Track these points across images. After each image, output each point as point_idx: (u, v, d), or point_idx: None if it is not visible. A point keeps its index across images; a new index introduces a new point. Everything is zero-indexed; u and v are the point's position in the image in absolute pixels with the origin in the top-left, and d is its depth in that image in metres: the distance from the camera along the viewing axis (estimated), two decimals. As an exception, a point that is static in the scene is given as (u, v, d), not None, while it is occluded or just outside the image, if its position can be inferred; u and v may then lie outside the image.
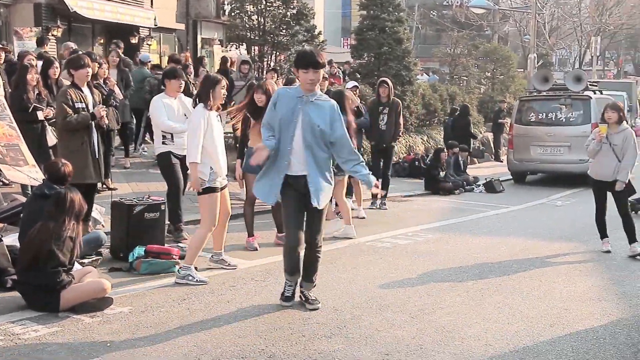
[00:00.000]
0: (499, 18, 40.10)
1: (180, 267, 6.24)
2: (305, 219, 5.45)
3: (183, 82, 7.79)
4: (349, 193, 10.46)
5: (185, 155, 7.65)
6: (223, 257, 6.79)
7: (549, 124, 14.55)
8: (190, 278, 6.14)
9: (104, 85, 9.98)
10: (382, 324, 5.19)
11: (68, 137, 7.17)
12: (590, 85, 15.36)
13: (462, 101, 19.49)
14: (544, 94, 15.11)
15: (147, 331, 4.90)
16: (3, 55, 10.18)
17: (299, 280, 5.63)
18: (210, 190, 6.21)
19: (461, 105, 17.82)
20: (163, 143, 7.65)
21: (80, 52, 10.00)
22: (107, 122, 7.36)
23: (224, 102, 6.66)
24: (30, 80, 8.33)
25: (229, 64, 14.16)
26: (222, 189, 6.38)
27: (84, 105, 7.08)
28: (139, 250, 6.61)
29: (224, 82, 6.43)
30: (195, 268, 6.44)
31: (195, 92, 8.18)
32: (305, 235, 5.44)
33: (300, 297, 5.64)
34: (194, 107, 6.44)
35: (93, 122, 7.11)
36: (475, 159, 18.07)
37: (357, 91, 10.93)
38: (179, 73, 7.84)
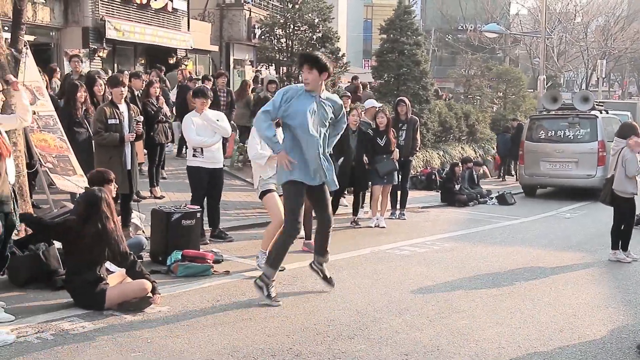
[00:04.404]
0: (510, 42, 39.94)
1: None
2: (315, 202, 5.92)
3: (207, 101, 7.79)
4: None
5: (215, 168, 7.85)
6: None
7: (558, 141, 14.44)
8: (258, 260, 6.65)
9: (155, 103, 10.13)
10: (401, 327, 5.17)
11: (99, 151, 7.53)
12: (596, 105, 15.21)
13: (475, 119, 19.48)
14: (553, 113, 15.00)
15: (183, 329, 4.93)
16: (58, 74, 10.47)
17: (318, 257, 6.08)
18: (266, 192, 6.61)
19: (517, 124, 18.18)
20: (194, 156, 7.81)
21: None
22: (139, 134, 7.58)
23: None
24: (79, 97, 8.48)
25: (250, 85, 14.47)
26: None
27: (117, 122, 7.33)
28: (176, 255, 6.66)
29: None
30: (227, 272, 6.58)
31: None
32: (325, 216, 5.92)
33: (319, 272, 6.12)
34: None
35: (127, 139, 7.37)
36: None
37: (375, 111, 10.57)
38: (203, 92, 7.90)
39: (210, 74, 18.64)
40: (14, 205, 5.25)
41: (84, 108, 8.56)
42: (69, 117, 8.33)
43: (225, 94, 13.08)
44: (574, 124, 14.33)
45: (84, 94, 8.54)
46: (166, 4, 19.54)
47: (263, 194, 6.68)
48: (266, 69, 18.03)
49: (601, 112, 14.77)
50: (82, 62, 11.07)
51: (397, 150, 10.06)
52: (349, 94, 12.49)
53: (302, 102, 5.57)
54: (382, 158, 9.82)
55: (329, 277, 6.16)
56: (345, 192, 10.74)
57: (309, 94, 5.59)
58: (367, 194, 10.62)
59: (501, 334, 5.07)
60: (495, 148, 19.96)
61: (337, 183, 5.85)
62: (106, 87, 9.20)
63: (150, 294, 5.35)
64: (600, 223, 10.68)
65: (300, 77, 15.46)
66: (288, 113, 5.57)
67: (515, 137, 17.32)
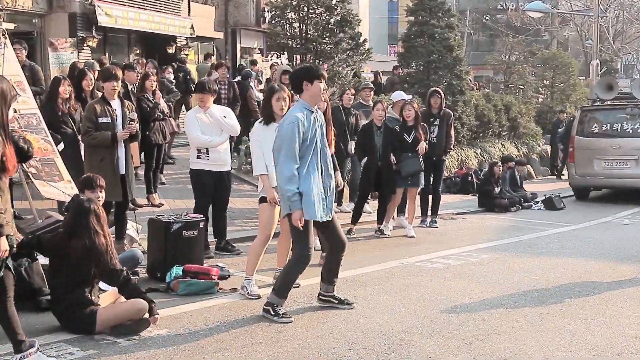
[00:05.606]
0: (558, 22, 39.71)
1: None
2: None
3: (206, 96, 7.78)
4: (401, 210, 10.45)
5: (221, 172, 7.88)
6: None
7: (614, 135, 14.32)
8: (244, 290, 6.44)
9: (151, 98, 10.18)
10: (433, 350, 5.15)
11: (90, 153, 7.56)
12: (660, 93, 15.06)
13: (518, 112, 19.44)
14: (608, 103, 14.88)
15: (185, 355, 4.95)
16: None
17: (326, 286, 6.17)
18: (264, 200, 6.49)
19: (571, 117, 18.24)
20: (198, 157, 7.84)
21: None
22: (133, 134, 7.61)
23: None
24: (63, 92, 8.51)
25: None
26: None
27: (109, 120, 7.37)
28: (177, 270, 6.68)
29: (279, 94, 6.56)
30: (234, 289, 6.59)
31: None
32: (339, 239, 6.07)
33: (331, 300, 6.15)
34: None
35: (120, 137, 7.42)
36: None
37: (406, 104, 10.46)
38: (202, 86, 7.92)
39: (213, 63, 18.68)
40: None
41: (69, 105, 8.59)
42: (50, 115, 8.35)
43: (226, 87, 12.84)
44: (634, 115, 14.19)
45: (68, 89, 8.56)
46: (163, -15, 19.69)
47: (262, 200, 6.56)
48: (277, 57, 18.02)
49: (665, 102, 14.62)
50: (25, 49, 10.86)
51: (423, 144, 9.84)
52: (372, 86, 12.45)
53: (311, 123, 5.81)
54: (407, 156, 9.75)
55: (343, 299, 6.21)
56: (369, 197, 10.70)
57: (309, 111, 5.83)
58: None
59: (549, 359, 5.02)
60: (540, 144, 20.07)
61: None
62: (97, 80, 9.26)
63: (147, 315, 5.38)
64: (664, 230, 10.57)
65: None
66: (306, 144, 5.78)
67: (566, 131, 17.25)
